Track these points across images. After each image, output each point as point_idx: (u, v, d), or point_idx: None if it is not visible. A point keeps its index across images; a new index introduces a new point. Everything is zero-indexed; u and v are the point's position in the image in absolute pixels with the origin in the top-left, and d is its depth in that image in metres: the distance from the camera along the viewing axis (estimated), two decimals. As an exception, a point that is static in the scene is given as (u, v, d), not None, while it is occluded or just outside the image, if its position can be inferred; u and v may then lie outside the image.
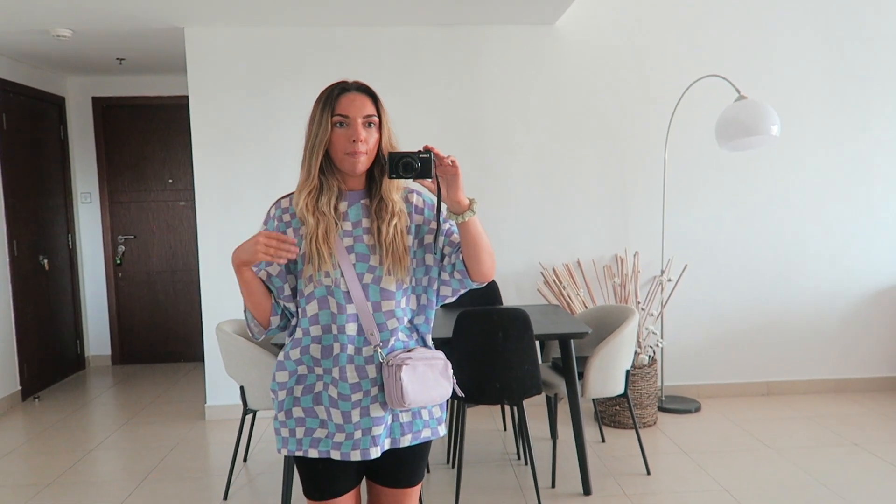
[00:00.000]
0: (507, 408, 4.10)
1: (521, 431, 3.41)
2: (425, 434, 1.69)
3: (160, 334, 5.95)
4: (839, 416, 4.18)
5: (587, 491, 3.15)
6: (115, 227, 5.86)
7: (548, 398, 3.54)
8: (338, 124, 1.58)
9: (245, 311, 1.69)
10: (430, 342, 1.74)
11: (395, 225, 1.62)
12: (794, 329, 4.63)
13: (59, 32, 4.23)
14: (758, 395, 4.64)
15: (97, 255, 5.87)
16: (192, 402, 4.78)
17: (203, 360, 4.47)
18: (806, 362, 4.66)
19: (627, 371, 3.35)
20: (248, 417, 3.54)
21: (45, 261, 5.30)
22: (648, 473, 3.37)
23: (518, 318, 2.95)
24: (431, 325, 1.73)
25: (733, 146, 3.89)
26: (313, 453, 1.63)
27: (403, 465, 1.70)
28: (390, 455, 1.67)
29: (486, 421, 4.24)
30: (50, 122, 5.52)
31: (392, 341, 1.63)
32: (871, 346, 4.67)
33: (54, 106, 5.57)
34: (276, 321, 1.68)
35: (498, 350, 2.97)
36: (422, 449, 1.72)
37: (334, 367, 1.61)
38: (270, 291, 1.67)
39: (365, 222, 1.64)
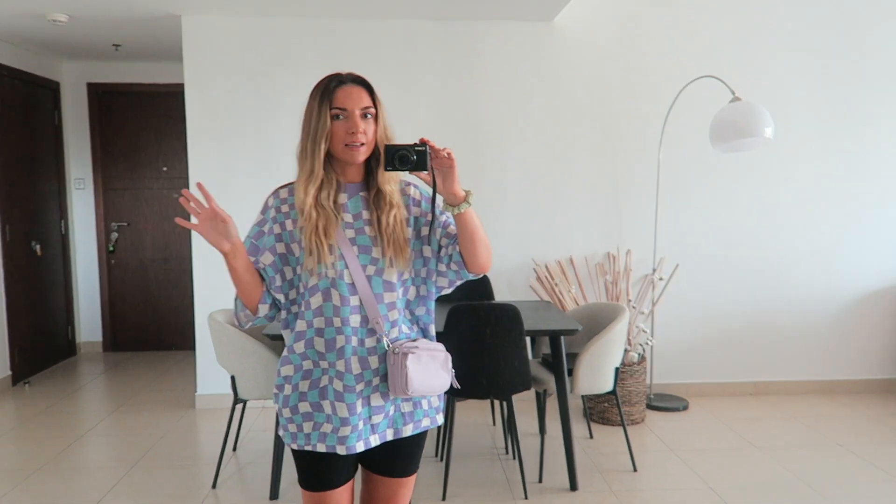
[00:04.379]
0: (496, 402, 4.12)
1: (510, 426, 3.43)
2: (425, 423, 1.73)
3: (152, 322, 5.94)
4: (825, 417, 4.22)
5: (574, 486, 3.18)
6: (109, 213, 5.84)
7: (537, 394, 3.57)
8: (336, 117, 1.59)
9: (235, 299, 1.69)
10: (432, 333, 1.76)
11: (395, 215, 1.64)
12: (783, 330, 4.67)
13: (55, 17, 4.21)
14: (745, 394, 4.67)
15: (90, 241, 5.85)
16: (183, 391, 4.78)
17: (194, 349, 4.47)
18: (793, 363, 4.70)
19: (617, 368, 3.38)
20: (239, 407, 3.55)
21: (38, 246, 5.28)
22: (635, 470, 3.40)
23: (508, 313, 2.97)
24: (433, 315, 1.75)
25: (727, 147, 3.91)
26: (321, 448, 1.65)
27: (400, 455, 1.73)
28: (389, 444, 1.70)
29: (475, 415, 4.26)
30: (44, 108, 5.49)
31: (395, 332, 1.66)
32: (859, 349, 4.71)
33: (49, 91, 5.54)
34: (264, 309, 1.67)
35: (487, 345, 2.98)
36: (419, 438, 1.75)
37: (339, 359, 1.62)
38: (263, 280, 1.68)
39: (365, 214, 1.66)
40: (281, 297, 1.68)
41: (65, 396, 4.73)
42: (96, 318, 5.91)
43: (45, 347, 5.41)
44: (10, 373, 4.91)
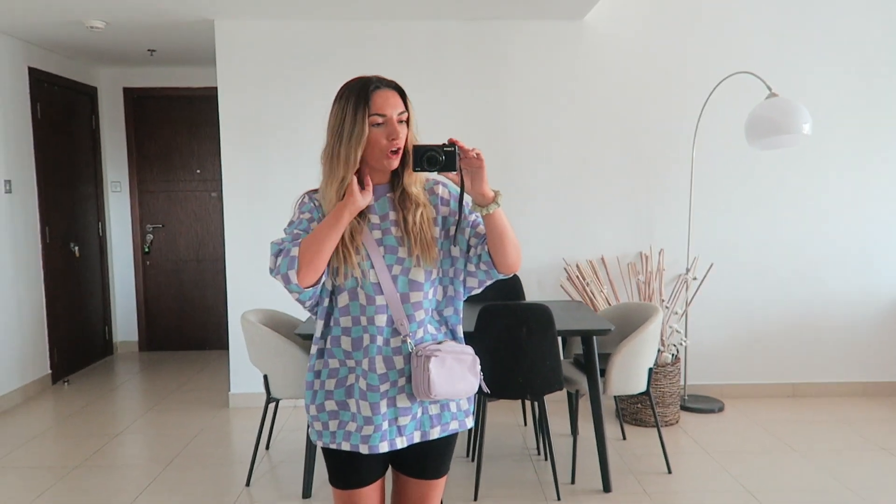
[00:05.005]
0: (527, 403, 4.09)
1: (542, 427, 3.40)
2: (453, 426, 1.71)
3: (186, 322, 6.03)
4: (866, 419, 4.11)
5: (607, 488, 3.14)
6: (144, 215, 5.95)
7: (569, 394, 3.54)
8: (376, 123, 1.56)
9: (294, 258, 1.54)
10: (460, 334, 1.74)
11: (421, 213, 1.63)
12: (822, 330, 4.56)
13: (92, 24, 4.30)
14: (783, 396, 4.57)
15: (126, 243, 5.97)
16: (217, 390, 4.84)
17: (227, 349, 4.53)
18: (833, 364, 4.58)
19: (650, 369, 3.33)
20: (271, 406, 3.58)
21: (76, 248, 5.40)
22: (669, 472, 3.35)
23: (540, 313, 2.95)
24: (461, 316, 1.74)
25: (763, 144, 3.84)
26: (346, 446, 1.65)
27: (430, 456, 1.71)
28: (417, 446, 1.69)
29: (506, 415, 4.24)
30: (82, 112, 5.62)
31: (421, 333, 1.65)
32: (901, 350, 4.58)
33: (86, 96, 5.67)
34: (322, 280, 1.60)
35: (520, 345, 2.96)
36: (449, 441, 1.73)
37: (364, 358, 1.63)
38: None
39: (392, 215, 1.65)
40: (328, 281, 1.64)
41: (102, 395, 4.83)
42: (132, 318, 6.02)
43: (83, 347, 5.52)
44: (49, 371, 5.02)
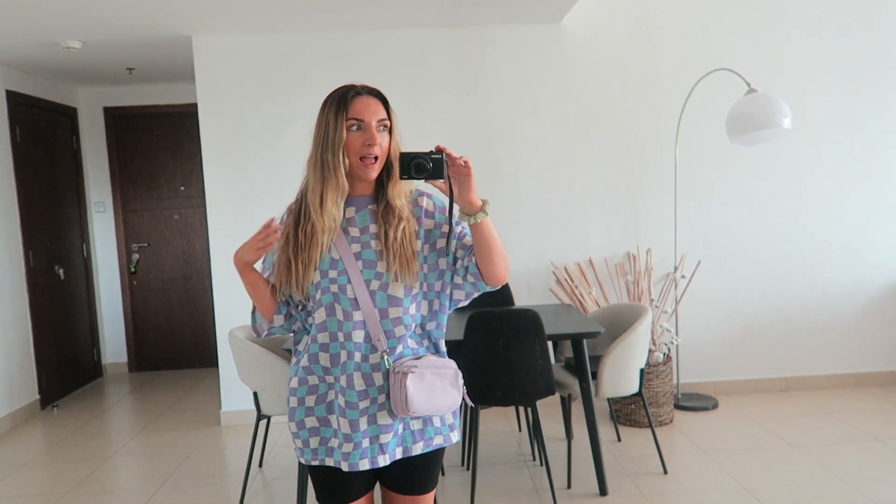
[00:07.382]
0: (521, 408, 4.08)
1: (536, 432, 3.39)
2: (437, 441, 1.68)
3: (175, 341, 5.98)
4: (860, 410, 4.12)
5: (603, 491, 3.13)
6: (129, 235, 5.90)
7: (562, 398, 3.52)
8: (353, 128, 1.56)
9: (253, 311, 1.73)
10: (442, 348, 1.71)
11: (403, 229, 1.60)
12: (812, 323, 4.57)
13: (69, 44, 4.27)
14: (776, 391, 4.58)
15: (112, 263, 5.92)
16: (208, 408, 4.80)
17: (217, 366, 4.49)
18: (824, 357, 4.60)
19: (642, 370, 3.32)
20: (263, 423, 3.55)
21: (61, 270, 5.35)
22: (665, 472, 3.34)
23: (529, 318, 2.93)
24: (444, 330, 1.71)
25: (745, 140, 3.85)
26: (329, 462, 1.63)
27: (415, 472, 1.69)
28: (402, 462, 1.66)
29: (500, 422, 4.22)
30: (63, 133, 5.57)
31: (400, 348, 1.62)
32: (891, 339, 4.60)
33: (66, 117, 5.62)
34: (279, 320, 1.70)
35: (509, 351, 2.95)
36: (434, 456, 1.70)
37: (342, 374, 1.61)
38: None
39: (372, 227, 1.63)
40: (295, 311, 1.70)
41: (92, 418, 4.77)
42: (121, 339, 5.97)
43: (71, 370, 5.46)
44: (38, 397, 4.96)
